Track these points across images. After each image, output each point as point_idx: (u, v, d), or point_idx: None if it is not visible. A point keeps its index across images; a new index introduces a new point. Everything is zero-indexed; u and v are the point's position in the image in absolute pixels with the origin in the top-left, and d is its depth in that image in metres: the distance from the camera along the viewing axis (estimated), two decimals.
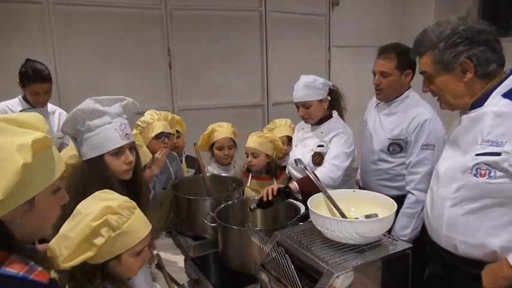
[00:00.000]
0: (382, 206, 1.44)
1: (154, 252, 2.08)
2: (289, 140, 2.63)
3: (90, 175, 1.38)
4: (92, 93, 3.42)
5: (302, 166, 1.76)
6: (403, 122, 2.03)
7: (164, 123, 2.24)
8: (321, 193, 1.54)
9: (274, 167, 2.49)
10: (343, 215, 1.43)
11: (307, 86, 2.12)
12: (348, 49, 4.87)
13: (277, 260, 1.30)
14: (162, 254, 2.07)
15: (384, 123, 2.13)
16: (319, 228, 1.38)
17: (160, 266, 1.93)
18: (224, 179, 2.35)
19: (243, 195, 2.26)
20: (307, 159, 2.17)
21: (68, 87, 3.57)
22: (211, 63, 4.19)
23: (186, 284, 1.75)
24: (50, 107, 2.82)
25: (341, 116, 2.28)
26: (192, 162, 2.64)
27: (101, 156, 1.38)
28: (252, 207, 1.84)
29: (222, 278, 1.85)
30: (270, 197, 1.82)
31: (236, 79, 4.36)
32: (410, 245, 1.34)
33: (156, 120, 2.23)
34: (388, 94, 2.09)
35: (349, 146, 2.13)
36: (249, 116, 4.46)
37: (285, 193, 1.85)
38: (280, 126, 2.72)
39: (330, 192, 1.54)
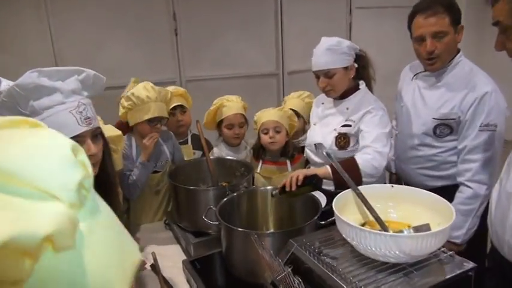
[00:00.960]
0: (433, 209, 1.09)
1: (150, 249, 1.80)
2: (295, 115, 2.23)
3: None
4: (91, 65, 3.18)
5: (324, 152, 1.41)
6: (454, 97, 1.62)
7: (161, 106, 1.85)
8: (349, 189, 1.20)
9: (291, 148, 2.13)
10: (380, 222, 1.09)
11: (331, 50, 1.70)
12: (371, 11, 4.40)
13: (290, 281, 0.98)
14: (159, 251, 1.79)
15: (427, 99, 1.72)
16: (348, 239, 1.05)
17: (155, 268, 1.64)
18: (231, 163, 2.02)
19: (253, 183, 1.92)
20: (328, 141, 1.77)
21: (66, 60, 3.29)
22: (221, 28, 3.85)
23: None
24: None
25: (369, 87, 1.86)
26: (200, 142, 2.29)
27: None
28: (273, 193, 1.56)
29: (226, 284, 1.55)
30: (294, 187, 1.48)
31: (249, 46, 4.01)
32: (473, 265, 0.99)
33: (152, 101, 1.83)
34: (444, 61, 1.64)
35: (386, 125, 1.71)
36: (263, 87, 4.12)
37: (311, 183, 1.50)
38: (290, 99, 2.33)
39: (362, 188, 1.19)
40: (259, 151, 2.14)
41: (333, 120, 1.80)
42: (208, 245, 1.68)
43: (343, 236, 1.06)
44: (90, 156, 1.07)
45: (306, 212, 1.52)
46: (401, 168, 1.90)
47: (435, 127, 1.67)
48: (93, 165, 1.10)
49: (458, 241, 1.58)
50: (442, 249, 1.04)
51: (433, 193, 1.14)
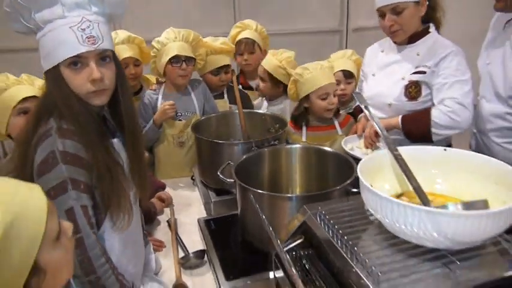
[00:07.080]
0: (499, 183, 0.81)
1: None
2: (347, 76, 2.04)
3: (48, 96, 0.99)
4: (133, 13, 2.95)
5: (362, 106, 1.14)
6: None
7: (181, 45, 1.81)
8: (385, 150, 0.94)
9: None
10: (419, 193, 0.83)
11: None
12: None
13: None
14: (180, 206, 1.67)
15: None
16: (372, 212, 0.81)
17: (170, 225, 1.52)
18: (266, 118, 1.81)
19: (287, 140, 1.71)
20: (395, 91, 1.59)
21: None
22: None
23: (191, 254, 1.32)
24: None
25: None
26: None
27: (56, 68, 0.95)
28: None
29: (239, 249, 1.36)
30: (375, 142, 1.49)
31: None
32: None
33: (171, 41, 1.81)
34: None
35: (465, 70, 1.50)
36: (324, 45, 3.76)
37: None
38: (338, 60, 2.06)
39: (404, 149, 0.93)
40: (302, 118, 1.81)
41: (400, 68, 1.61)
42: (229, 204, 1.52)
43: (368, 208, 0.82)
44: (93, 82, 0.96)
45: (339, 175, 1.29)
46: (483, 143, 1.60)
47: None
48: (97, 93, 0.98)
49: None
50: (505, 236, 0.76)
51: (502, 163, 0.84)
